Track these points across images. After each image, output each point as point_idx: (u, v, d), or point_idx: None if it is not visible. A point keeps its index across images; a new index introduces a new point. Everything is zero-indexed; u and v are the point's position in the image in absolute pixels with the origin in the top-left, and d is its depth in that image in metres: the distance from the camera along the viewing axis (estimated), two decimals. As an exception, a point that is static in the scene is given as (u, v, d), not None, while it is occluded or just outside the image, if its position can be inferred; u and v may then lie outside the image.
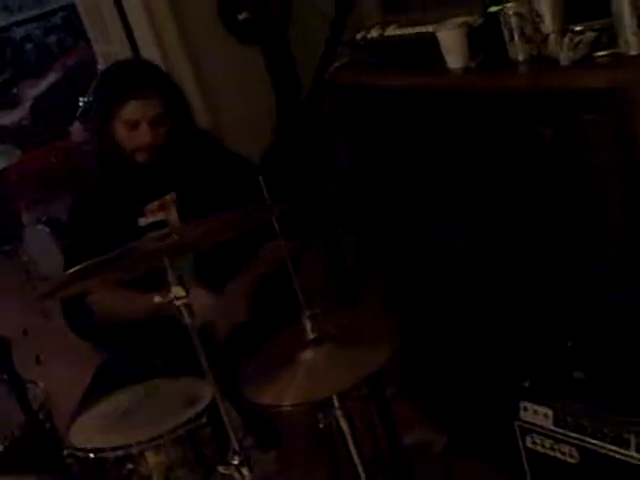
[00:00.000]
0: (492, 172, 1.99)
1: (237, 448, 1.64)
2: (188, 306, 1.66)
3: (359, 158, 2.53)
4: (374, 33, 2.32)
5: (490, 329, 2.17)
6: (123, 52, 3.27)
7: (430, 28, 2.08)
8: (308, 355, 1.64)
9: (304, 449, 2.00)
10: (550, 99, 1.76)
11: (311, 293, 1.76)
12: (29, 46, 6.18)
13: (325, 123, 2.82)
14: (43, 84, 5.56)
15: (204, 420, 1.74)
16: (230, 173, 2.22)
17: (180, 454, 1.73)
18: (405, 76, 2.18)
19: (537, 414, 1.72)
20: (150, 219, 2.18)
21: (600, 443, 1.62)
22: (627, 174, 1.65)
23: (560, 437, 1.69)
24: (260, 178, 1.75)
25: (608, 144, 1.66)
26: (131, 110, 2.06)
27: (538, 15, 1.80)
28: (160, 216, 2.19)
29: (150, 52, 3.20)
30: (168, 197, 2.17)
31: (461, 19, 2.01)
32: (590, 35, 1.71)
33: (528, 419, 1.74)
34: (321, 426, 1.68)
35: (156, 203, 2.17)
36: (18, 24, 6.28)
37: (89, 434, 1.82)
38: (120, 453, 1.72)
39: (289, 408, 1.59)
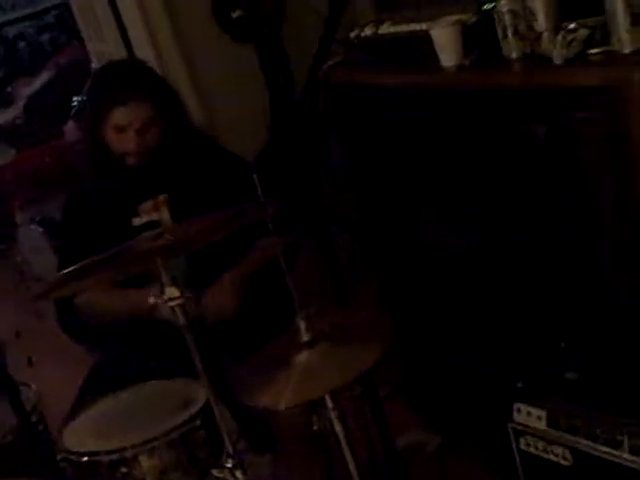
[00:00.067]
0: (486, 170, 1.99)
1: (231, 451, 1.64)
2: (182, 307, 1.65)
3: (353, 156, 2.53)
4: (368, 31, 2.31)
5: (484, 329, 2.17)
6: (117, 51, 3.26)
7: (424, 26, 2.07)
8: (303, 357, 1.63)
9: (299, 452, 2.00)
10: (543, 97, 1.75)
11: (305, 292, 1.75)
12: (22, 44, 6.16)
13: (319, 121, 2.81)
14: (37, 83, 5.54)
15: (198, 423, 1.74)
16: (224, 172, 2.22)
17: (174, 457, 1.72)
18: (399, 74, 2.17)
19: (530, 415, 1.71)
20: (144, 219, 2.17)
21: (593, 444, 1.62)
22: (620, 172, 1.65)
23: (553, 438, 1.69)
24: (254, 176, 1.74)
25: (601, 142, 1.65)
26: (119, 116, 2.05)
27: (531, 13, 1.79)
28: (154, 216, 2.18)
29: (144, 51, 3.19)
30: (160, 198, 2.16)
31: (455, 17, 2.00)
32: (583, 33, 1.70)
33: (521, 420, 1.73)
34: (315, 428, 1.67)
35: (149, 203, 2.17)
36: (11, 22, 6.26)
37: (82, 437, 1.81)
38: (114, 457, 1.70)
39: (284, 411, 1.58)
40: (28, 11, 6.25)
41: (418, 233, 2.34)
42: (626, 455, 1.58)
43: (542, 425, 1.70)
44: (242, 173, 2.17)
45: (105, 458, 1.71)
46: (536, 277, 1.96)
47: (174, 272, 1.71)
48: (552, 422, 1.68)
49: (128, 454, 1.70)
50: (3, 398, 1.88)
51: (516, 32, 1.83)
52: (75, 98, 3.94)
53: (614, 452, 1.59)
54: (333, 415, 1.65)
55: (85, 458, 1.72)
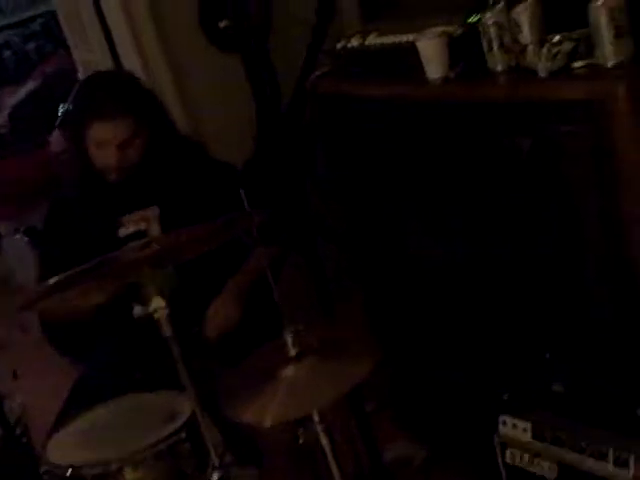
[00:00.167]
0: (471, 182, 1.99)
1: (217, 464, 1.63)
2: (168, 318, 1.65)
3: (339, 167, 2.53)
4: (354, 42, 2.32)
5: (469, 341, 2.17)
6: (103, 60, 3.25)
7: (410, 37, 2.08)
8: (289, 371, 1.62)
9: (285, 465, 1.99)
10: (528, 110, 1.76)
11: (291, 304, 1.75)
12: (7, 53, 6.12)
13: (306, 132, 2.81)
14: (22, 92, 5.51)
15: (183, 435, 1.73)
16: (213, 180, 2.21)
17: (159, 470, 1.71)
18: (385, 85, 2.17)
19: (516, 428, 1.71)
20: (130, 229, 2.16)
21: (578, 457, 1.62)
22: (604, 186, 1.65)
23: (538, 451, 1.69)
24: (242, 191, 1.74)
25: (586, 156, 1.66)
26: (99, 131, 2.04)
27: (517, 25, 1.80)
28: (141, 226, 2.17)
29: (130, 60, 3.18)
30: (150, 211, 2.14)
31: (441, 29, 2.01)
32: (568, 45, 1.71)
33: (507, 433, 1.73)
34: (301, 441, 1.67)
35: (137, 214, 2.16)
36: (-4, 31, 6.23)
37: (66, 450, 1.80)
38: (98, 470, 1.69)
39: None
40: (14, 19, 6.22)
41: (404, 245, 2.34)
42: (611, 468, 1.58)
43: (527, 437, 1.70)
44: (231, 181, 2.17)
45: (89, 471, 1.70)
46: (521, 289, 1.96)
47: (163, 284, 1.71)
48: (537, 434, 1.69)
49: (112, 467, 1.69)
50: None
51: (501, 45, 1.84)
52: (61, 107, 3.92)
53: (599, 464, 1.59)
54: (319, 428, 1.65)
55: (69, 471, 1.71)
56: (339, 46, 2.36)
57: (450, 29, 2.00)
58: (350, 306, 2.56)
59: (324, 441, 1.65)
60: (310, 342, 1.67)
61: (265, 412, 1.56)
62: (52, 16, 4.97)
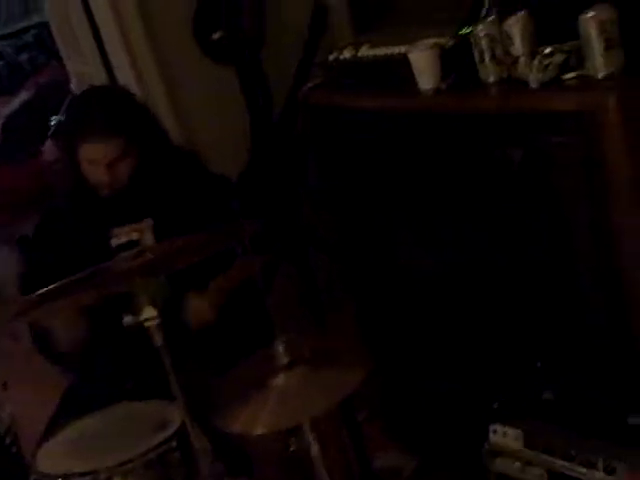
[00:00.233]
0: (463, 193, 2.00)
1: (207, 473, 1.62)
2: (159, 327, 1.65)
3: (331, 178, 2.53)
4: (347, 54, 2.33)
5: (460, 350, 2.17)
6: (97, 72, 3.25)
7: (402, 49, 2.09)
8: (280, 380, 1.62)
9: (276, 475, 1.98)
10: (520, 121, 1.77)
11: (283, 313, 1.75)
12: (1, 64, 6.12)
13: (298, 143, 2.82)
14: (15, 102, 5.50)
15: (174, 444, 1.72)
16: (207, 193, 2.21)
17: (149, 479, 1.70)
18: (377, 97, 2.18)
19: (507, 436, 1.71)
20: (123, 239, 2.16)
21: (569, 465, 1.62)
22: (595, 197, 1.66)
23: (529, 459, 1.69)
24: (235, 202, 1.75)
25: (576, 167, 1.67)
26: (88, 151, 2.04)
27: (508, 37, 1.82)
28: (133, 236, 2.17)
29: (124, 72, 3.19)
30: (143, 223, 2.14)
31: (433, 40, 2.02)
32: (559, 57, 1.72)
33: (498, 441, 1.73)
34: (292, 450, 1.66)
35: (130, 226, 2.15)
36: (-11, 42, 6.22)
37: (56, 459, 1.79)
38: (87, 479, 1.68)
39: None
40: (7, 30, 6.22)
41: (396, 255, 2.34)
42: (601, 476, 1.58)
43: (519, 445, 1.70)
44: (225, 192, 2.17)
45: (79, 480, 1.69)
46: (511, 299, 1.97)
47: (156, 294, 1.71)
48: (528, 443, 1.69)
49: (102, 476, 1.68)
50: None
51: (493, 56, 1.85)
52: (53, 118, 3.92)
53: (590, 473, 1.59)
54: (310, 438, 1.64)
55: (59, 480, 1.70)
56: (331, 58, 2.37)
57: (442, 41, 2.01)
58: (341, 316, 2.57)
59: (315, 451, 1.65)
60: (301, 351, 1.67)
61: (256, 421, 1.56)
62: (45, 27, 4.98)
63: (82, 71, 3.53)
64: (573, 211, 1.72)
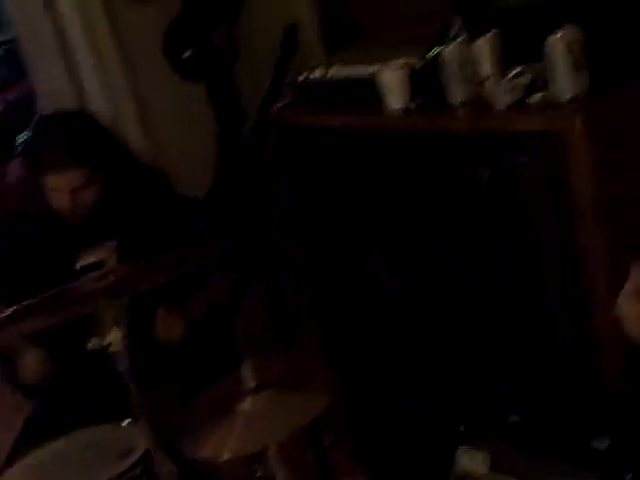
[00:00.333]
0: (432, 213, 2.00)
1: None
2: (125, 350, 1.63)
3: (302, 197, 2.53)
4: (317, 73, 2.34)
5: (427, 372, 2.16)
6: (66, 89, 3.23)
7: (372, 69, 2.10)
8: (247, 405, 1.60)
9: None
10: (487, 141, 1.78)
11: (251, 335, 1.73)
12: (-30, 79, 6.06)
13: (269, 162, 2.81)
14: (-16, 119, 5.44)
15: (138, 472, 1.68)
16: (175, 217, 2.19)
17: (113, 508, 1.67)
18: (347, 116, 2.18)
19: (473, 459, 1.70)
20: (87, 261, 2.13)
21: (535, 489, 1.61)
22: (561, 216, 1.67)
23: (496, 482, 1.68)
24: (202, 223, 1.73)
25: (542, 186, 1.68)
26: (51, 180, 2.01)
27: (476, 59, 1.83)
28: (100, 256, 2.14)
29: (94, 89, 3.17)
30: (107, 245, 2.11)
31: (402, 61, 2.03)
32: (525, 79, 1.74)
33: (465, 464, 1.72)
34: (258, 475, 1.64)
35: (94, 249, 2.12)
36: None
37: (18, 487, 1.75)
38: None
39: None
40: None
41: (364, 275, 2.34)
42: (568, 499, 1.58)
43: (485, 468, 1.69)
44: (193, 216, 2.15)
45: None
46: (478, 320, 1.97)
47: (119, 317, 1.69)
48: (495, 465, 1.68)
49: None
50: None
51: (461, 77, 1.86)
52: (20, 136, 3.88)
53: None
54: (276, 462, 1.62)
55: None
56: (302, 77, 2.38)
57: (412, 61, 2.02)
58: (310, 337, 2.55)
59: (281, 476, 1.63)
60: (269, 375, 1.65)
61: (223, 446, 1.54)
62: (17, 44, 4.93)
63: (51, 89, 3.50)
64: (540, 231, 1.73)
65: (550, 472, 1.59)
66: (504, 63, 1.80)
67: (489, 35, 1.82)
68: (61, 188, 2.01)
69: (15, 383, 2.15)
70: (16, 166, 4.08)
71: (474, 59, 1.84)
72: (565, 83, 1.65)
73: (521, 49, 1.79)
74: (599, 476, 1.53)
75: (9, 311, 1.60)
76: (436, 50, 1.97)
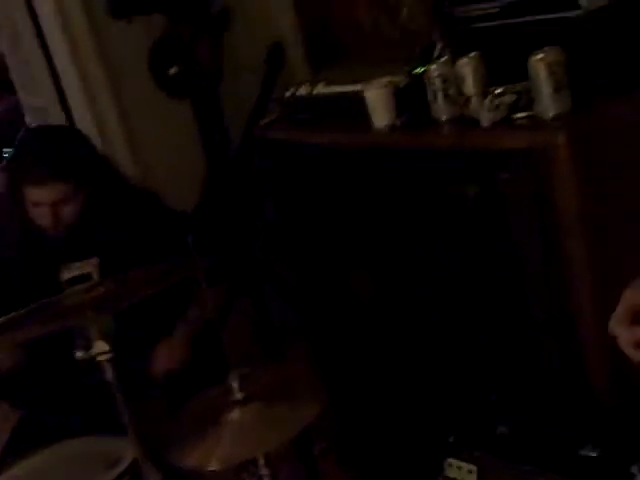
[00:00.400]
0: (419, 229, 2.02)
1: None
2: (111, 362, 1.63)
3: (288, 213, 2.54)
4: (303, 90, 2.36)
5: (415, 384, 2.17)
6: (51, 106, 3.23)
7: (357, 87, 2.12)
8: (235, 416, 1.61)
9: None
10: (472, 158, 1.81)
11: (238, 348, 1.74)
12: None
13: (255, 178, 2.83)
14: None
15: (125, 482, 1.68)
16: (163, 231, 2.19)
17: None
18: (333, 133, 2.21)
19: (461, 470, 1.71)
20: (72, 273, 2.13)
21: (523, 499, 1.62)
22: (547, 233, 1.70)
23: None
24: (189, 238, 1.74)
25: (527, 203, 1.71)
26: (31, 193, 2.02)
27: (461, 77, 1.86)
28: (85, 269, 2.14)
29: (80, 107, 3.17)
30: (90, 262, 2.11)
31: (387, 79, 2.06)
32: (510, 97, 1.77)
33: (452, 475, 1.73)
34: (247, 485, 1.64)
35: (77, 264, 2.12)
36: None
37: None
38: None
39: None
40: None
41: (351, 290, 2.35)
42: (555, 510, 1.59)
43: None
44: (180, 230, 2.16)
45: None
46: (467, 333, 1.98)
47: (107, 328, 1.69)
48: (483, 477, 1.69)
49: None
50: None
51: (446, 95, 1.90)
52: (7, 150, 3.87)
53: (543, 507, 1.60)
54: (264, 473, 1.63)
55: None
56: (288, 94, 2.40)
57: (396, 79, 2.05)
58: (297, 350, 2.56)
59: (270, 485, 1.63)
60: (256, 386, 1.66)
61: (210, 456, 1.54)
62: (2, 58, 4.92)
63: (37, 105, 3.50)
64: (526, 247, 1.75)
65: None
66: (488, 82, 1.83)
67: (472, 55, 1.85)
68: (42, 202, 2.01)
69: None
70: (1, 179, 4.07)
71: (457, 78, 1.87)
72: (548, 102, 1.68)
73: (505, 69, 1.82)
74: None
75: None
76: (420, 69, 2.00)
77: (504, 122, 1.75)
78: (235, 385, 1.63)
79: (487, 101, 1.78)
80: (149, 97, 3.18)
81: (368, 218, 2.17)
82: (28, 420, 2.12)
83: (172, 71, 3.08)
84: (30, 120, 3.55)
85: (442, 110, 1.91)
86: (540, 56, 1.68)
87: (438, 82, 1.90)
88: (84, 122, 3.12)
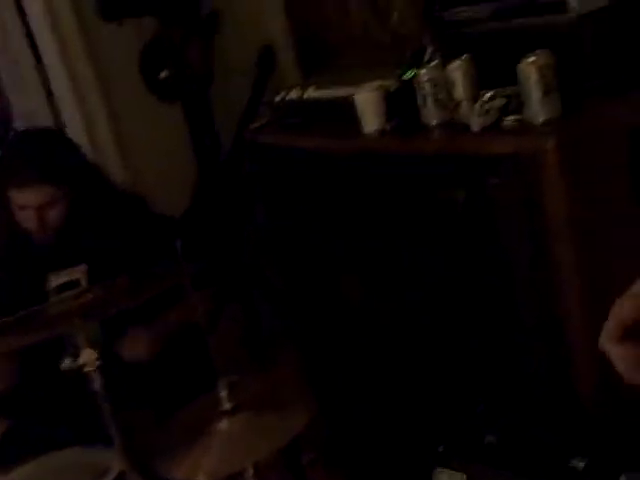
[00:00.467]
0: (409, 234, 2.01)
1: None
2: (99, 371, 1.61)
3: (278, 217, 2.53)
4: (293, 94, 2.35)
5: (404, 393, 2.16)
6: (42, 110, 3.21)
7: (348, 91, 2.11)
8: (223, 426, 1.59)
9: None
10: (462, 163, 1.80)
11: (226, 356, 1.72)
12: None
13: (245, 182, 2.82)
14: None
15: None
16: (151, 237, 2.18)
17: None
18: (322, 138, 2.20)
19: (451, 479, 1.70)
20: (60, 280, 2.11)
21: (511, 509, 1.61)
22: (536, 238, 1.69)
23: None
24: (178, 243, 1.72)
25: (517, 208, 1.70)
26: (16, 196, 2.01)
27: (450, 82, 1.85)
28: (74, 275, 2.12)
29: (70, 110, 3.16)
30: (78, 269, 2.10)
31: (377, 83, 2.05)
32: (500, 102, 1.76)
33: (442, 485, 1.72)
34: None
35: (65, 272, 2.10)
36: None
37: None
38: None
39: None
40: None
41: (341, 296, 2.34)
42: (544, 519, 1.58)
43: (462, 489, 1.69)
44: (168, 236, 2.14)
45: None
46: (455, 341, 1.97)
47: (94, 336, 1.68)
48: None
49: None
50: None
51: (436, 100, 1.88)
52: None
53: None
54: (254, 481, 1.61)
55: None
56: (278, 98, 2.39)
57: (387, 84, 2.04)
58: (286, 358, 2.55)
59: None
60: (244, 396, 1.65)
61: (198, 467, 1.53)
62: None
63: (28, 110, 3.48)
64: (515, 252, 1.75)
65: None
66: (478, 86, 1.82)
67: (461, 59, 1.84)
68: (28, 205, 2.00)
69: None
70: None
71: (448, 82, 1.86)
72: (538, 106, 1.67)
73: (496, 73, 1.81)
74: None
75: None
76: (410, 73, 1.99)
77: (494, 127, 1.74)
78: (224, 395, 1.62)
79: (477, 106, 1.76)
80: (139, 100, 3.17)
81: (358, 223, 2.16)
82: (15, 430, 2.10)
83: (163, 74, 3.07)
84: (19, 123, 3.53)
85: (432, 115, 1.90)
86: (530, 60, 1.67)
87: (428, 86, 1.89)
88: (73, 125, 3.11)
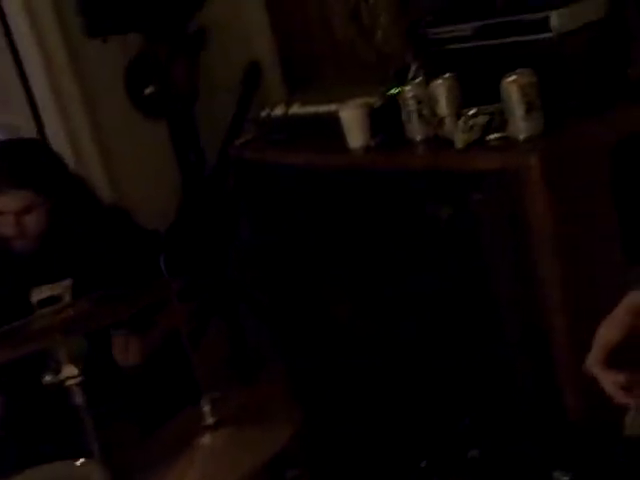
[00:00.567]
0: (392, 249, 2.02)
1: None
2: (80, 385, 1.60)
3: (263, 233, 2.53)
4: (278, 111, 2.36)
5: (388, 409, 2.16)
6: (26, 125, 3.21)
7: (332, 107, 2.13)
8: (206, 440, 1.58)
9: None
10: (446, 179, 1.81)
11: (210, 371, 1.72)
12: None
13: (230, 198, 2.82)
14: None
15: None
16: (136, 250, 2.17)
17: None
18: (307, 154, 2.21)
19: (435, 495, 1.70)
20: (43, 295, 2.10)
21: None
22: (519, 253, 1.70)
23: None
24: (161, 258, 1.72)
25: (500, 223, 1.71)
26: None
27: (434, 98, 1.87)
28: (56, 290, 2.11)
29: (54, 126, 3.15)
30: (63, 283, 2.09)
31: (362, 100, 2.07)
32: (483, 119, 1.78)
33: (426, 499, 1.72)
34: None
35: (48, 287, 2.09)
36: None
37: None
38: None
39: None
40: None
41: (326, 311, 2.34)
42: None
43: (446, 504, 1.69)
44: (153, 249, 2.14)
45: None
46: (439, 356, 1.98)
47: (76, 351, 1.66)
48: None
49: None
50: None
51: (420, 116, 1.90)
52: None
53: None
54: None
55: None
56: (263, 114, 2.40)
57: (371, 100, 2.05)
58: (271, 373, 2.54)
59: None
60: (228, 410, 1.64)
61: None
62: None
63: (12, 125, 3.47)
64: (499, 267, 1.76)
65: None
66: (462, 103, 1.84)
67: (445, 76, 1.86)
68: (5, 210, 2.00)
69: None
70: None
71: (431, 99, 1.88)
72: (520, 124, 1.69)
73: (479, 90, 1.83)
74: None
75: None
76: (395, 90, 2.01)
77: (477, 143, 1.76)
78: (207, 410, 1.61)
79: (461, 122, 1.78)
80: (124, 116, 3.17)
81: (343, 238, 2.17)
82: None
83: (148, 91, 3.07)
84: (2, 137, 3.52)
85: (416, 130, 1.91)
86: (512, 78, 1.70)
87: (412, 103, 1.91)
88: (58, 141, 3.10)
